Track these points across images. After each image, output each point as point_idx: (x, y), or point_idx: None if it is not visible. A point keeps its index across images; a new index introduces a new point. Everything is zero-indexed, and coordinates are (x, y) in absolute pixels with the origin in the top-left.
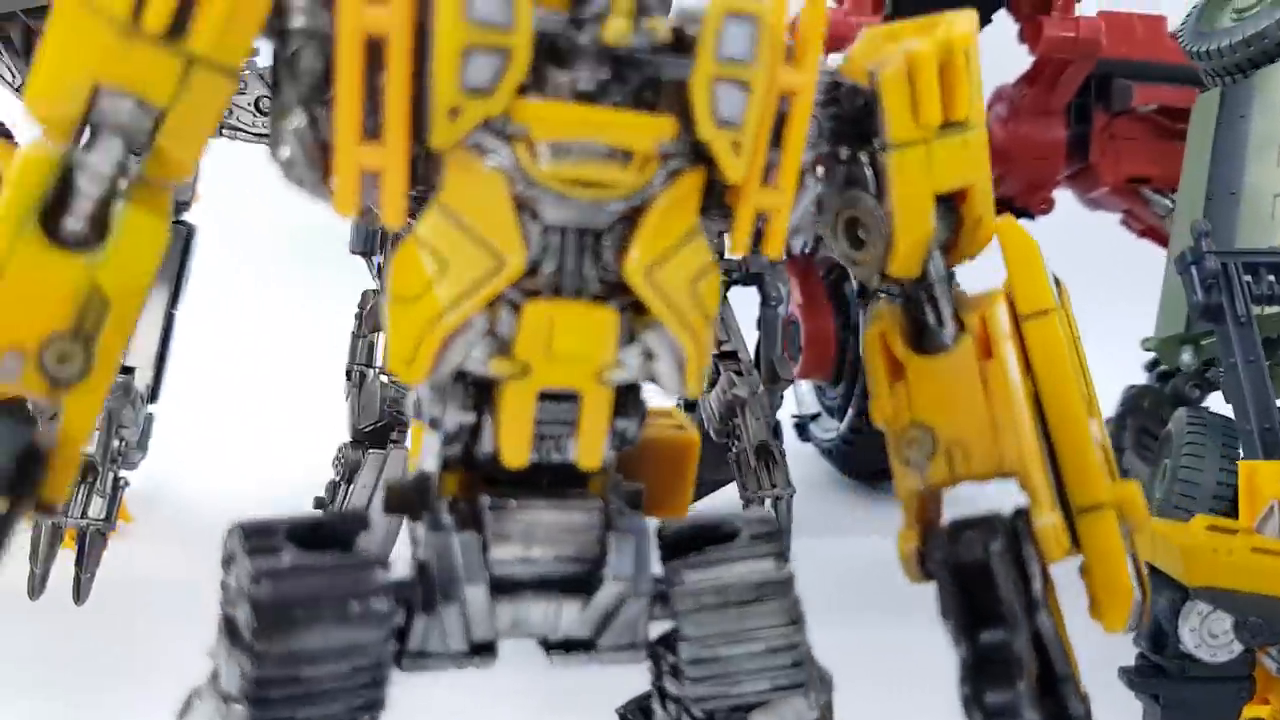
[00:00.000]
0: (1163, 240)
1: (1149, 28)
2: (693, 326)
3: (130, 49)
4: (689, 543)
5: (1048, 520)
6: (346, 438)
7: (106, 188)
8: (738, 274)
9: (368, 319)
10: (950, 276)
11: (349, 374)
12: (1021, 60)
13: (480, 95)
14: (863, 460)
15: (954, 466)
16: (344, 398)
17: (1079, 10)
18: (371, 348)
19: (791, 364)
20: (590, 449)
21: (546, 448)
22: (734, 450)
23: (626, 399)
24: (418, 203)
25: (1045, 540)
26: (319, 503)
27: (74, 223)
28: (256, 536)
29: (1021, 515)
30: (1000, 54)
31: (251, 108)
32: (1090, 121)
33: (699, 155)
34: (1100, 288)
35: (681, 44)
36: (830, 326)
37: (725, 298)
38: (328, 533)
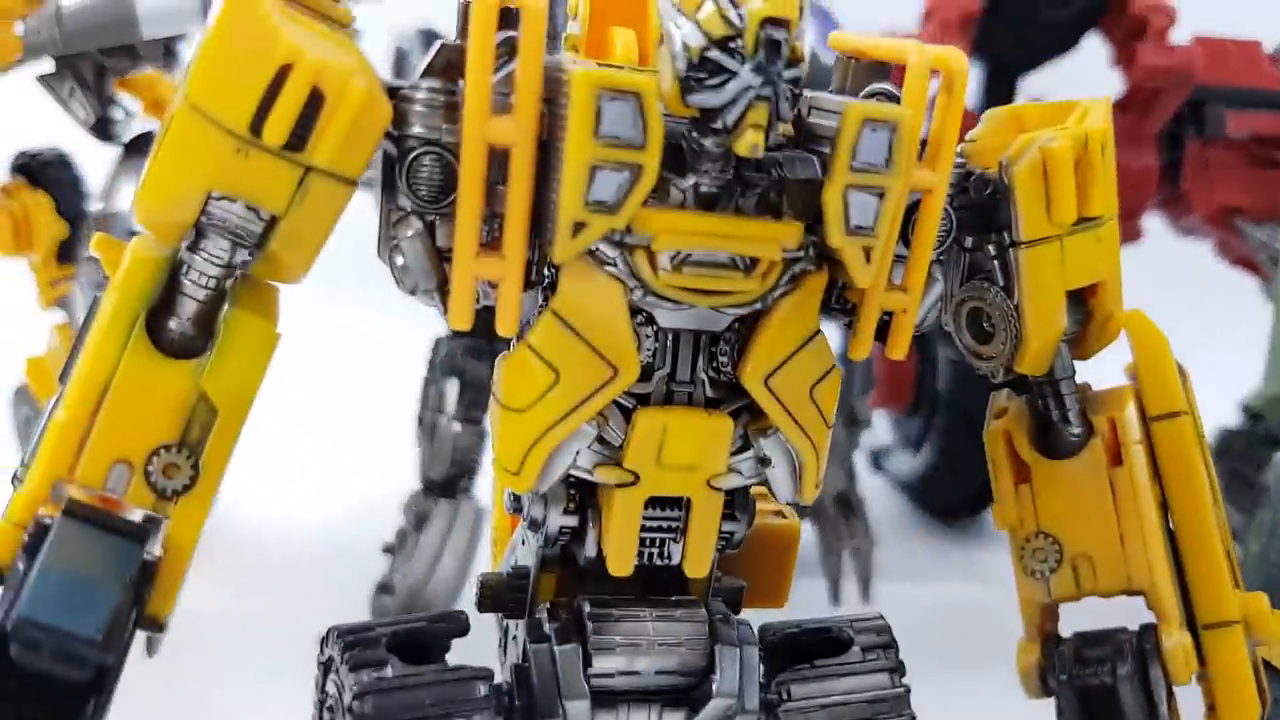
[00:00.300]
0: (1257, 270)
1: (1244, 53)
2: (810, 433)
3: (247, 160)
4: (795, 649)
5: (1177, 641)
6: (389, 460)
7: (213, 289)
8: None
9: (441, 365)
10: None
11: (420, 420)
12: (1109, 81)
13: (605, 210)
14: (941, 497)
15: (1080, 581)
16: (414, 444)
17: (1174, 35)
18: (442, 395)
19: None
20: (698, 557)
21: (650, 552)
22: None
23: (736, 500)
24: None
25: (1174, 662)
26: (388, 548)
27: (180, 324)
28: (358, 647)
29: (1148, 632)
30: (1089, 76)
31: None
32: (1183, 149)
33: (824, 256)
34: (1191, 317)
35: (809, 136)
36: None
37: None
38: (428, 638)
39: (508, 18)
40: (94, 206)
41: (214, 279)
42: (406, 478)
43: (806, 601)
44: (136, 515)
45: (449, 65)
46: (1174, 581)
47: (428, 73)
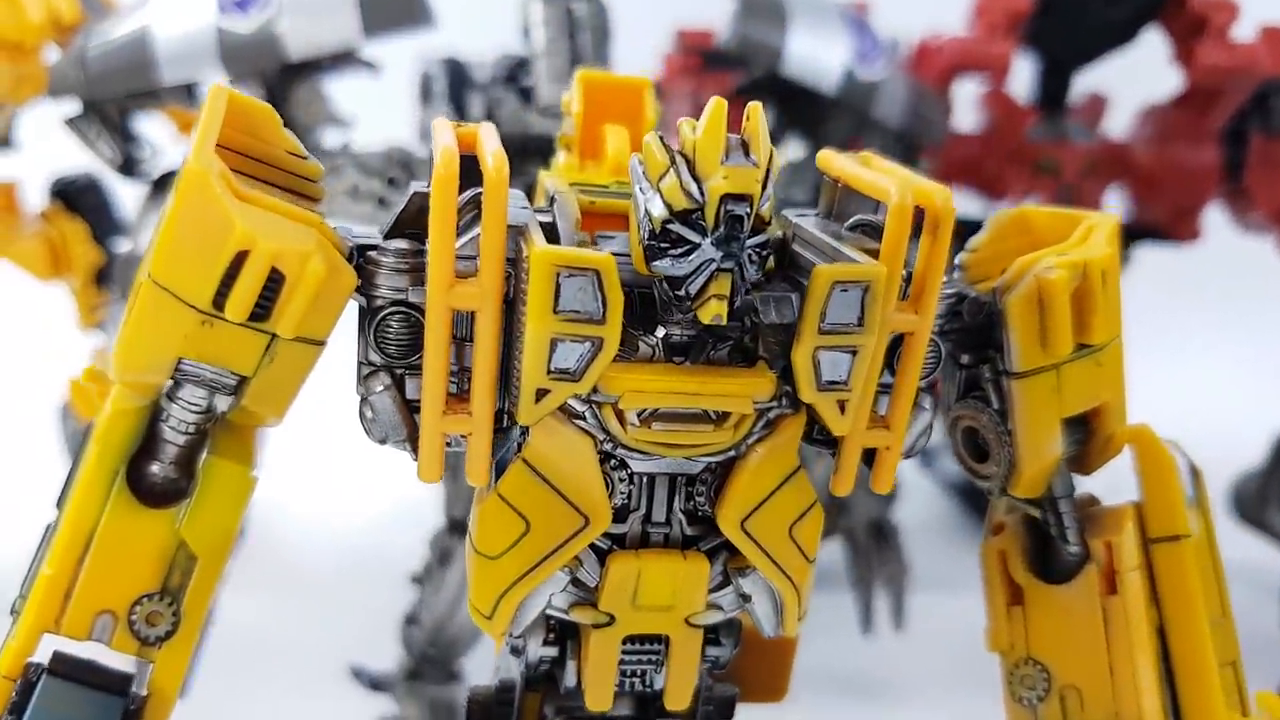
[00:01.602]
0: None
1: None
2: (790, 572)
3: (213, 329)
4: None
5: None
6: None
7: (193, 433)
8: None
9: None
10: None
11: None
12: (1169, 76)
13: (568, 378)
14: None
15: (1067, 713)
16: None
17: (1236, 28)
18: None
19: None
20: (679, 691)
21: (632, 682)
22: (842, 525)
23: (720, 628)
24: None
25: None
26: (416, 578)
27: (161, 468)
28: None
29: None
30: (1149, 70)
31: (348, 193)
32: (1246, 144)
33: (801, 400)
34: (1251, 316)
35: (792, 263)
36: None
37: None
38: None
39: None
40: (122, 247)
41: (193, 424)
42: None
43: (838, 625)
44: (121, 660)
45: (420, 212)
46: (1166, 712)
47: (398, 224)
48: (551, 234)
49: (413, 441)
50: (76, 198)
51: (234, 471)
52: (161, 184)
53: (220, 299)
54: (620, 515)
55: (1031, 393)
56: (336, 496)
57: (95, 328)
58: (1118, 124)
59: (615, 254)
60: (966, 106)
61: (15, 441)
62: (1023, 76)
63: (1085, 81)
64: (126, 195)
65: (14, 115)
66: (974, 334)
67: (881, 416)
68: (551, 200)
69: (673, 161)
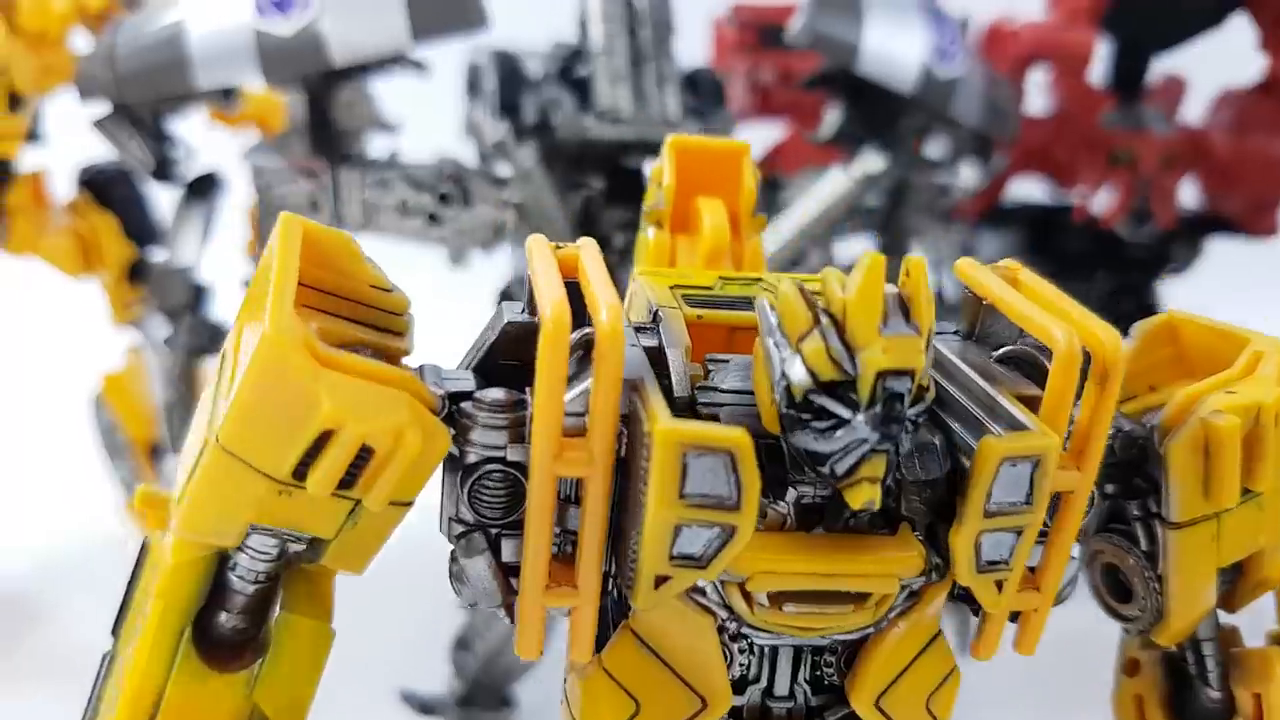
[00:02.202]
0: None
1: None
2: None
3: (291, 498)
4: None
5: None
6: None
7: (263, 582)
8: None
9: None
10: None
11: None
12: (1253, 61)
13: (692, 565)
14: None
15: None
16: None
17: None
18: None
19: None
20: None
21: None
22: None
23: None
24: None
25: None
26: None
27: (229, 618)
28: None
29: None
30: (1226, 53)
31: (397, 208)
32: None
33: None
34: None
35: (936, 399)
36: None
37: None
38: None
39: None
40: (158, 255)
41: (264, 573)
42: None
43: None
44: None
45: (515, 342)
46: None
47: (490, 353)
48: (659, 362)
49: (508, 608)
50: (106, 189)
51: (310, 628)
52: (196, 187)
53: (301, 472)
54: (738, 687)
55: (1190, 543)
56: None
57: (129, 324)
58: (1192, 111)
59: (734, 390)
60: (1035, 88)
61: (51, 431)
62: (1096, 59)
63: (1160, 64)
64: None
65: (40, 106)
66: (1124, 468)
67: (1030, 573)
68: (654, 317)
69: (817, 320)
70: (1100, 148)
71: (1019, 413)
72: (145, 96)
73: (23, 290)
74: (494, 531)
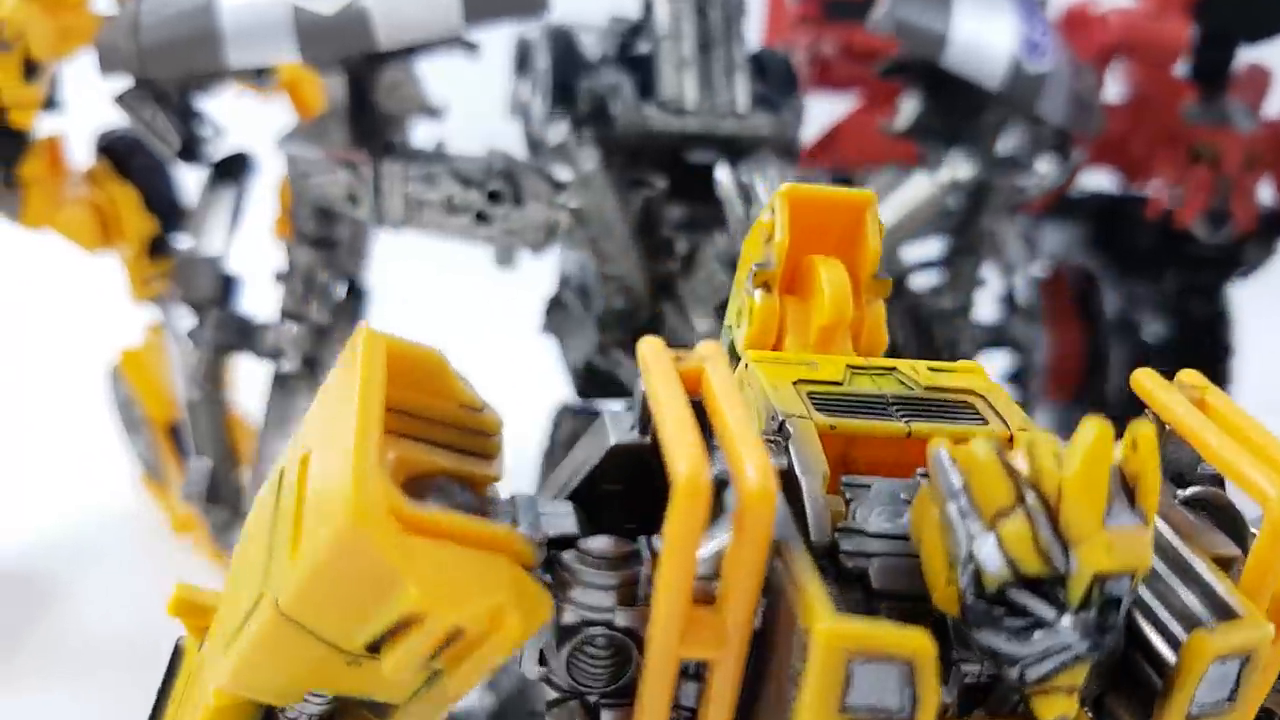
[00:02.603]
0: None
1: None
2: None
3: (361, 668)
4: None
5: None
6: None
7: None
8: (986, 337)
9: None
10: None
11: None
12: None
13: None
14: None
15: None
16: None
17: None
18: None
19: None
20: None
21: None
22: None
23: None
24: None
25: None
26: None
27: None
28: None
29: None
30: None
31: (443, 205)
32: None
33: None
34: None
35: None
36: (1077, 343)
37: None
38: None
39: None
40: (183, 242)
41: (318, 716)
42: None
43: None
44: None
45: (622, 465)
46: None
47: (589, 480)
48: (790, 486)
49: None
50: (126, 157)
51: None
52: (224, 167)
53: (377, 648)
54: None
55: None
56: None
57: (150, 300)
58: (1276, 104)
59: (884, 536)
60: (1111, 75)
61: (68, 404)
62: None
63: (1244, 53)
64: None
65: (58, 71)
66: None
67: None
68: (780, 428)
69: (1021, 498)
70: (1181, 142)
71: (1225, 590)
72: (171, 73)
73: (41, 255)
74: (593, 699)
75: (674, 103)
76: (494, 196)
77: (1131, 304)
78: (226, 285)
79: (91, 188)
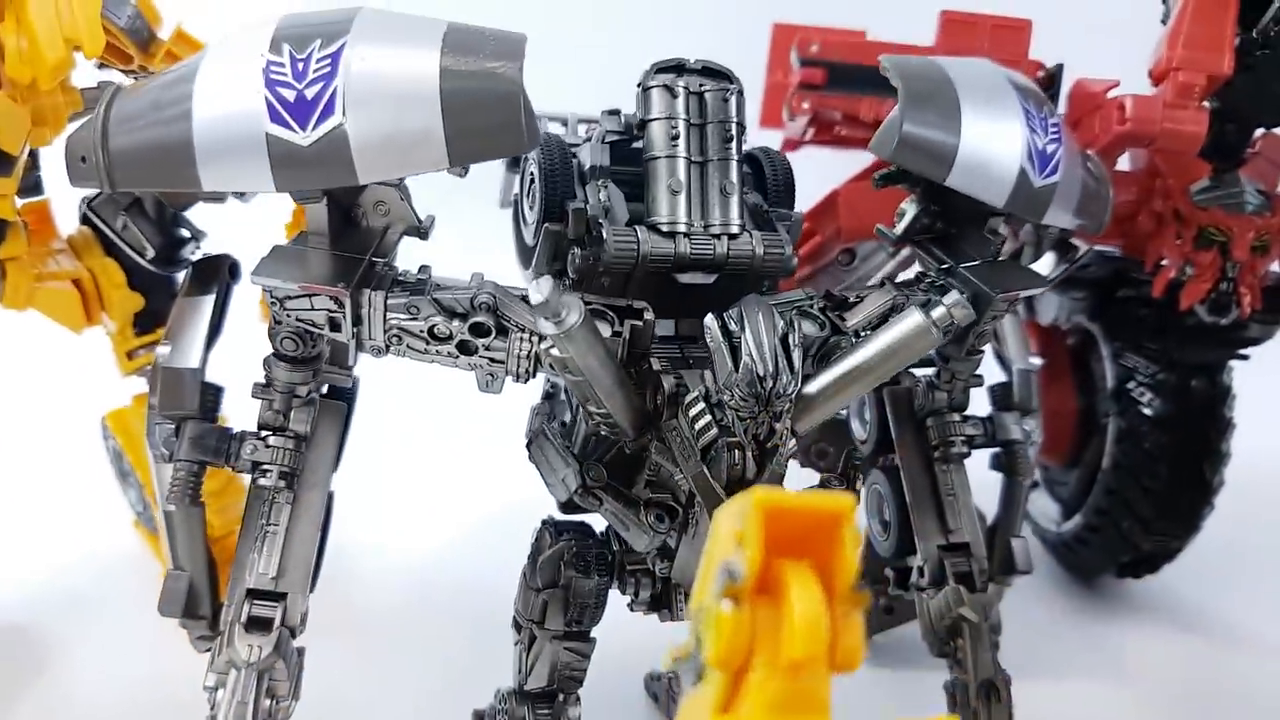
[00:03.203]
0: None
1: None
2: None
3: None
4: None
5: None
6: None
7: None
8: (981, 437)
9: (541, 571)
10: None
11: (516, 624)
12: None
13: None
14: (1091, 560)
15: None
16: (512, 644)
17: None
18: (544, 606)
19: None
20: None
21: None
22: (952, 676)
23: None
24: None
25: None
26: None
27: None
28: None
29: None
30: None
31: (425, 334)
32: None
33: None
34: None
35: None
36: (1071, 402)
37: (960, 465)
38: None
39: None
40: (161, 348)
41: None
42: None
43: None
44: None
45: None
46: None
47: None
48: None
49: None
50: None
51: None
52: (204, 272)
53: None
54: None
55: None
56: (395, 527)
57: (135, 373)
58: None
59: None
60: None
61: (62, 450)
62: None
63: None
64: None
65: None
66: None
67: None
68: None
69: None
70: (1190, 224)
71: None
72: (142, 188)
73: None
74: None
75: (667, 225)
76: (478, 329)
77: (1130, 375)
78: (205, 396)
79: (75, 264)
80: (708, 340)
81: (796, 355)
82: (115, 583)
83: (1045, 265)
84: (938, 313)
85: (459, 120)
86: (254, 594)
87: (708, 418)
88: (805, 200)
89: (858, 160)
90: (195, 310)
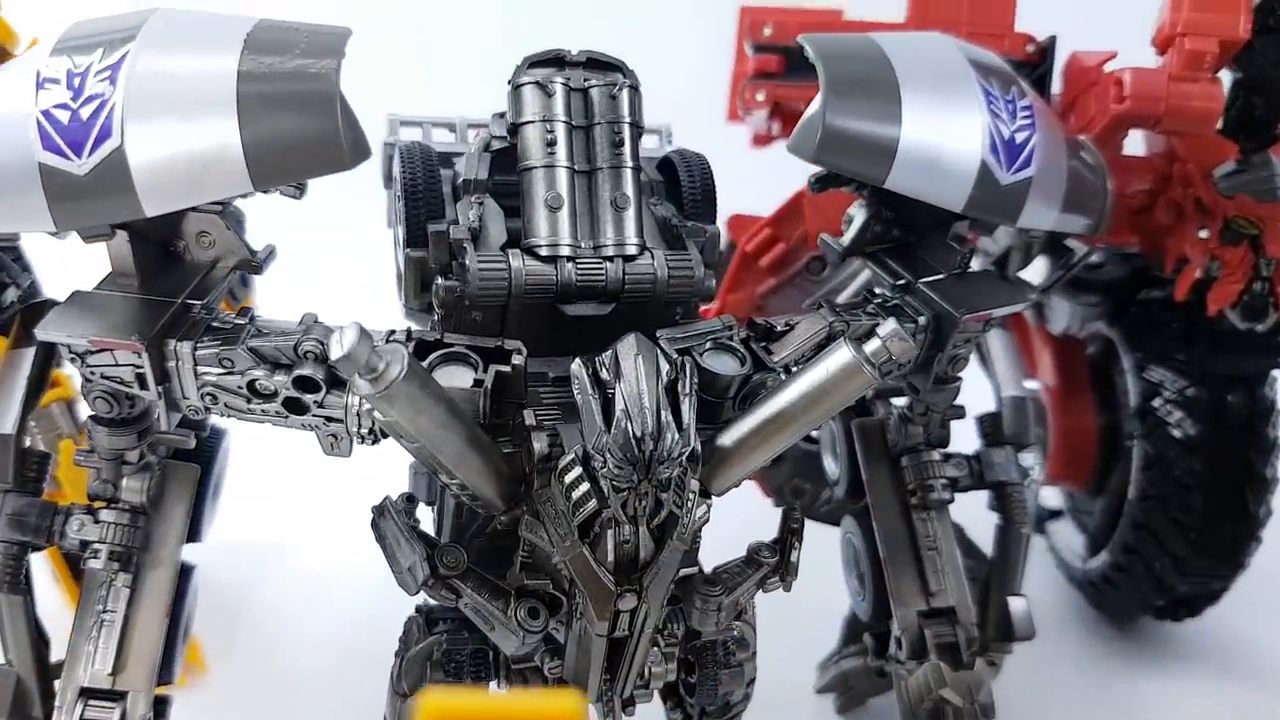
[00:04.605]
0: None
1: None
2: None
3: None
4: None
5: None
6: None
7: None
8: (966, 478)
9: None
10: None
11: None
12: None
13: None
14: (1122, 602)
15: None
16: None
17: None
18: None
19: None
20: None
21: None
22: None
23: None
24: None
25: None
26: None
27: None
28: None
29: None
30: None
31: (244, 390)
32: None
33: None
34: None
35: None
36: (1092, 422)
37: (943, 511)
38: None
39: None
40: None
41: None
42: None
43: None
44: None
45: None
46: None
47: None
48: None
49: None
50: None
51: None
52: (27, 320)
53: None
54: None
55: None
56: (324, 585)
57: None
58: None
59: None
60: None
61: None
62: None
63: None
64: None
65: None
66: None
67: None
68: None
69: None
70: (1215, 216)
71: None
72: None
73: None
74: None
75: (546, 248)
76: (303, 383)
77: (1156, 392)
78: (24, 464)
79: None
80: (574, 392)
81: (687, 408)
82: None
83: (1039, 272)
84: (871, 347)
85: (260, 132)
86: (89, 693)
87: (585, 486)
88: (771, 203)
89: None
90: (13, 366)
